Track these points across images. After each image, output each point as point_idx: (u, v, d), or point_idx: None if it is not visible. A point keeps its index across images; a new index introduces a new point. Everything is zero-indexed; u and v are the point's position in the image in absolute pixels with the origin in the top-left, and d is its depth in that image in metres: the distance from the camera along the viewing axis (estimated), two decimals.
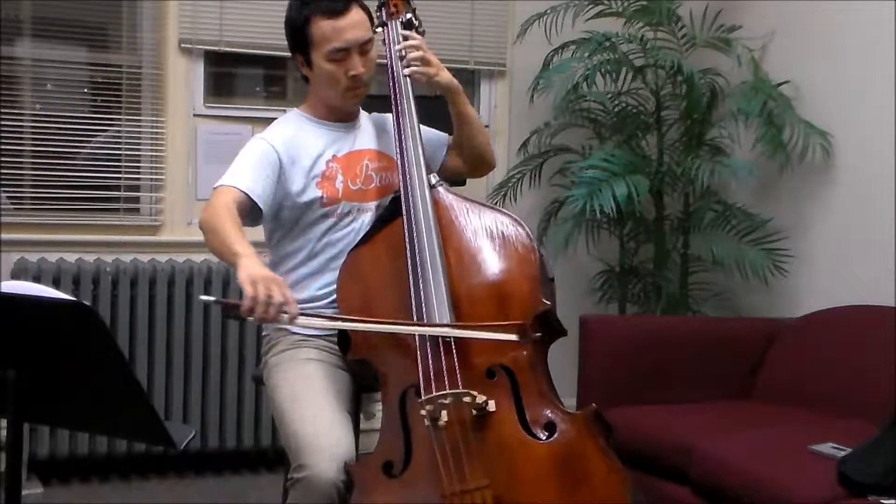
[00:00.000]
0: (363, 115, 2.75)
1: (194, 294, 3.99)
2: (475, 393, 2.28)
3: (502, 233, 2.49)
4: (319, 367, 2.51)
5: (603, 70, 4.21)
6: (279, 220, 2.62)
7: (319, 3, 2.55)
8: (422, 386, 2.31)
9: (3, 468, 2.04)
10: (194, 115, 4.21)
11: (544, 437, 2.29)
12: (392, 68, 2.64)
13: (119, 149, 4.15)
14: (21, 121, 4.00)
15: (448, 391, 2.28)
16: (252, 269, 2.19)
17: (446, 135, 2.80)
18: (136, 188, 4.22)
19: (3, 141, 3.91)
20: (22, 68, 4.05)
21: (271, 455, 4.13)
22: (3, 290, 1.93)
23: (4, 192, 3.98)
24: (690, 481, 3.06)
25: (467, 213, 2.52)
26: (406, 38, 2.64)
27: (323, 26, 2.54)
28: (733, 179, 4.17)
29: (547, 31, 4.27)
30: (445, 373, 2.31)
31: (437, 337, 2.34)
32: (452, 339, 2.34)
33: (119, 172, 4.16)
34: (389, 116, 2.67)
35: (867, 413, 3.06)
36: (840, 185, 3.96)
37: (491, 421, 2.28)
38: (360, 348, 2.45)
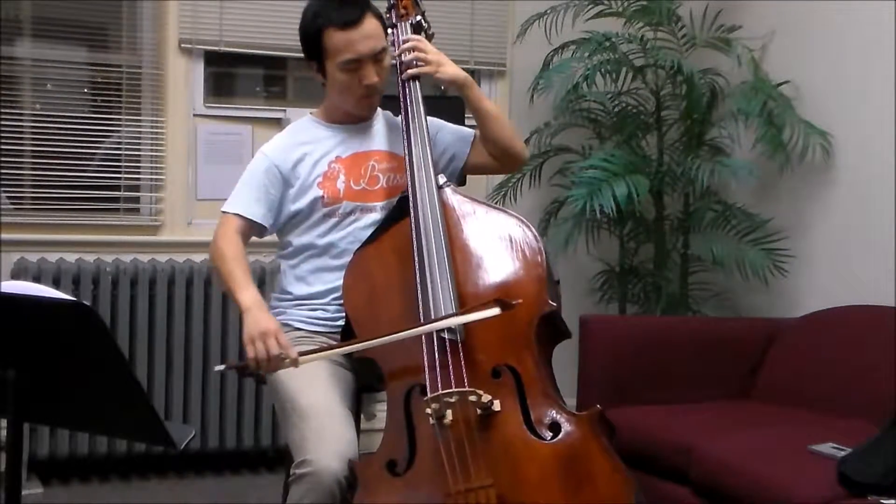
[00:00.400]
0: (379, 113, 2.75)
1: (194, 294, 4.00)
2: (481, 392, 2.28)
3: (510, 234, 2.49)
4: (322, 364, 2.51)
5: (603, 70, 4.21)
6: (287, 218, 2.67)
7: (332, 13, 2.55)
8: (427, 384, 2.31)
9: (3, 468, 2.03)
10: (194, 115, 4.21)
11: (549, 437, 2.28)
12: (398, 71, 2.64)
13: (119, 149, 4.15)
14: (21, 121, 4.00)
15: (454, 390, 2.28)
16: (251, 327, 2.36)
17: (472, 131, 2.78)
18: (137, 188, 4.22)
19: (3, 141, 3.91)
20: (22, 68, 4.05)
21: (271, 455, 4.13)
22: (3, 290, 1.93)
23: (4, 192, 3.98)
24: (690, 481, 3.06)
25: (475, 214, 2.53)
26: (408, 41, 2.64)
27: (336, 38, 2.54)
28: (733, 179, 4.16)
29: (547, 31, 4.27)
30: (451, 372, 2.31)
31: (444, 336, 2.34)
32: (459, 339, 2.34)
33: (119, 172, 4.16)
34: None
35: (867, 413, 3.05)
36: (840, 185, 3.96)
37: (496, 420, 2.28)
38: None
